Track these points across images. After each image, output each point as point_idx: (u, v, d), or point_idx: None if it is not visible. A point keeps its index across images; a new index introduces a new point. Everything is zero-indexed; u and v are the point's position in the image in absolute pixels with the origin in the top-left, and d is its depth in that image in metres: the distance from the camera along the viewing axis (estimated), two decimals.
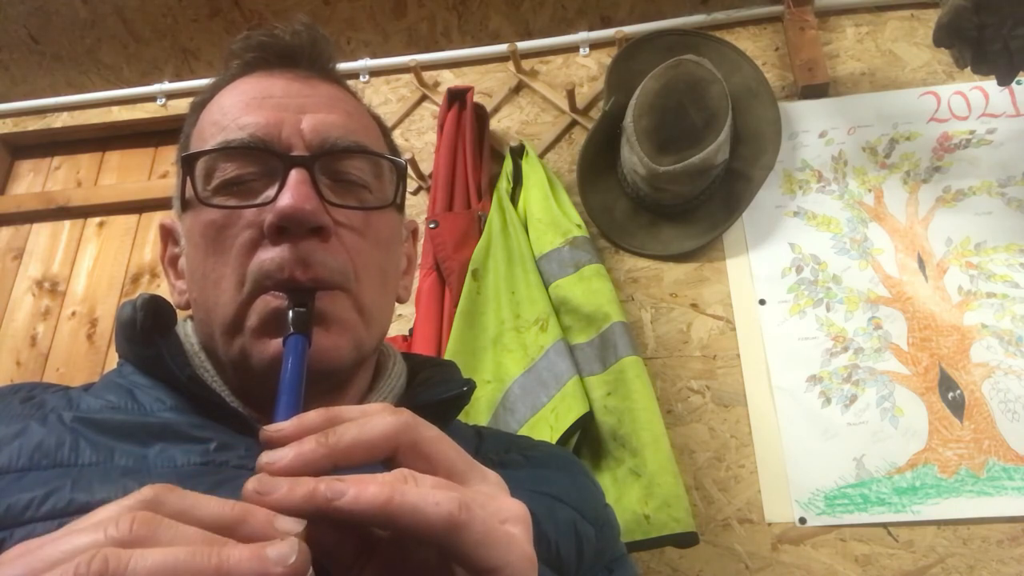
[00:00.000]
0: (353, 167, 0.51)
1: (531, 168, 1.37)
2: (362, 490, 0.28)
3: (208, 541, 0.26)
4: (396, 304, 0.58)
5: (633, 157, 1.30)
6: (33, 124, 1.80)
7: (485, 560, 0.29)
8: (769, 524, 1.12)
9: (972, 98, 1.35)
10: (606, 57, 1.53)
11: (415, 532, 0.28)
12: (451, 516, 0.28)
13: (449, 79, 1.62)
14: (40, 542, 0.25)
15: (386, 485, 0.28)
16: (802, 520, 1.11)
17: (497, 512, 0.31)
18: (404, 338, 1.30)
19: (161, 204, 1.63)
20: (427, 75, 1.61)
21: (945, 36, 1.03)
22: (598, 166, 1.41)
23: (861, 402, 1.17)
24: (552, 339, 1.14)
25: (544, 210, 1.30)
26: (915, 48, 1.42)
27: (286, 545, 0.25)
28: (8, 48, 1.68)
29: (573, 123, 1.50)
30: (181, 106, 1.72)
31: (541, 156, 1.45)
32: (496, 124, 1.54)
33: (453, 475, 0.32)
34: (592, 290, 1.19)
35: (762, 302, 1.28)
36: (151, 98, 1.75)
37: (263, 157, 0.48)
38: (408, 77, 1.63)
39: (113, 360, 0.83)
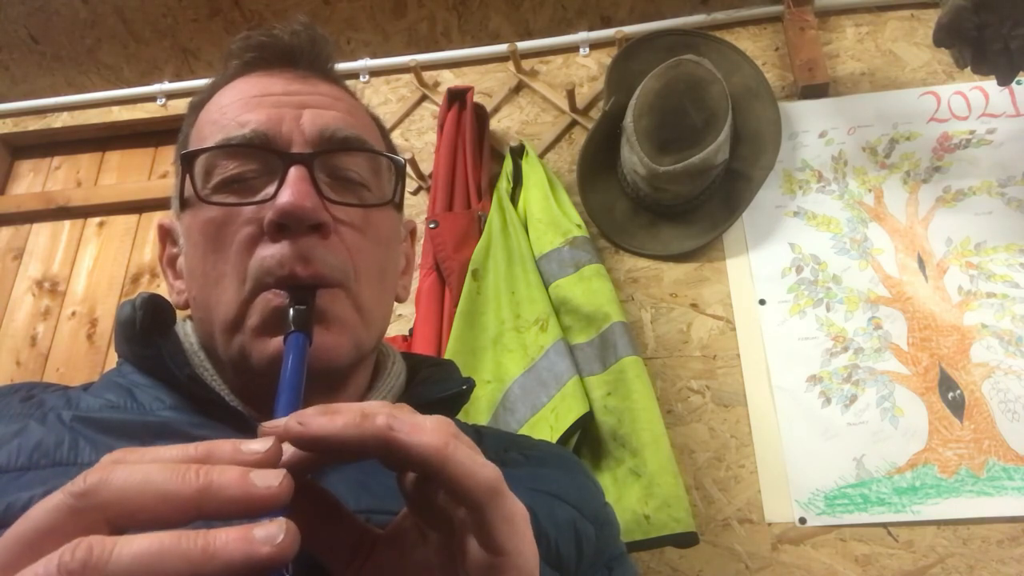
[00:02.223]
0: (352, 165, 0.51)
1: (531, 168, 1.37)
2: (418, 429, 0.29)
3: (168, 470, 0.25)
4: (396, 304, 0.58)
5: (633, 157, 1.30)
6: (33, 124, 1.80)
7: (506, 539, 0.29)
8: (769, 524, 1.12)
9: (972, 98, 1.35)
10: (606, 57, 1.53)
11: (460, 484, 0.29)
12: (492, 482, 0.29)
13: (449, 79, 1.62)
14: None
15: (440, 433, 0.29)
16: (802, 520, 1.11)
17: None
18: (404, 338, 1.30)
19: (161, 204, 1.63)
20: (427, 75, 1.61)
21: (945, 36, 1.03)
22: (598, 166, 1.41)
23: (861, 402, 1.17)
24: (552, 339, 1.14)
25: (544, 210, 1.30)
26: (915, 48, 1.42)
27: (274, 525, 0.25)
28: (8, 48, 1.68)
29: (573, 123, 1.50)
30: (181, 106, 1.72)
31: (541, 156, 1.45)
32: (496, 124, 1.54)
33: None
34: (592, 290, 1.19)
35: (762, 302, 1.28)
36: (151, 98, 1.75)
37: (263, 154, 0.48)
38: (408, 77, 1.63)
39: (113, 360, 0.83)
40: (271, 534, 0.25)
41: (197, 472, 0.26)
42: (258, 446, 0.28)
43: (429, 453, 0.28)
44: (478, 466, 0.29)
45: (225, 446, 0.28)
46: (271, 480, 0.26)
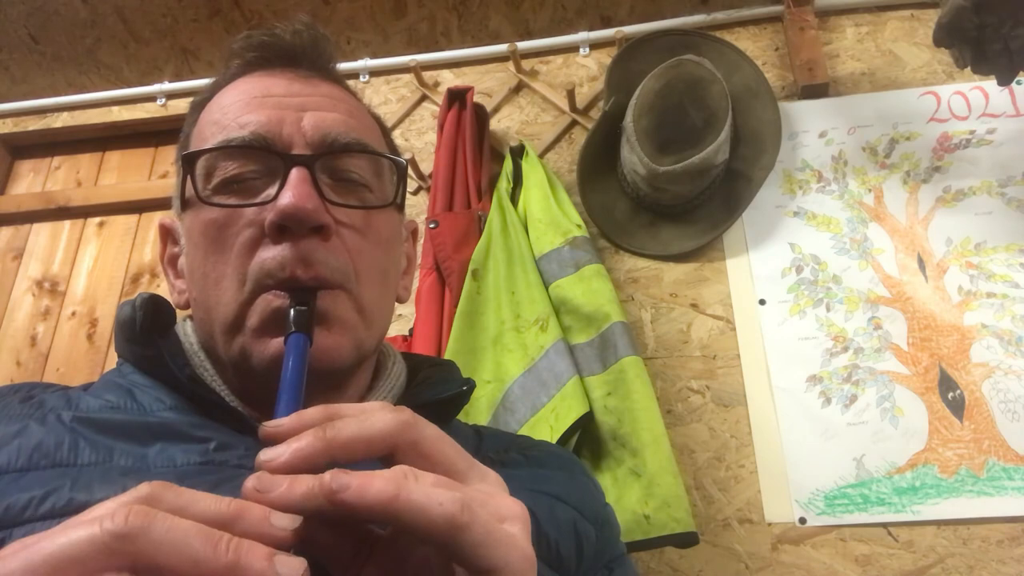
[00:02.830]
0: (354, 166, 0.51)
1: (531, 168, 1.37)
2: (367, 484, 0.28)
3: (204, 535, 0.26)
4: (396, 304, 0.58)
5: (633, 157, 1.30)
6: (33, 124, 1.80)
7: (485, 560, 0.29)
8: (769, 524, 1.12)
9: (972, 98, 1.35)
10: (606, 57, 1.53)
11: (417, 530, 0.28)
12: (454, 516, 0.28)
13: (449, 79, 1.62)
14: (37, 538, 0.25)
15: (391, 481, 0.28)
16: (802, 520, 1.11)
17: (497, 511, 0.31)
18: (404, 338, 1.30)
19: (161, 204, 1.62)
20: (427, 75, 1.61)
21: (945, 36, 1.03)
22: (598, 166, 1.41)
23: (861, 402, 1.17)
24: (552, 339, 1.14)
25: (544, 210, 1.30)
26: (915, 48, 1.42)
27: (295, 560, 0.26)
28: (8, 48, 1.68)
29: (573, 123, 1.50)
30: (181, 106, 1.72)
31: (541, 156, 1.45)
32: (496, 124, 1.54)
33: (453, 474, 0.32)
34: (592, 290, 1.19)
35: (762, 302, 1.28)
36: (151, 98, 1.75)
37: (264, 156, 0.48)
38: (408, 77, 1.63)
39: (113, 360, 0.83)
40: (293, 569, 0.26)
41: (228, 546, 0.26)
42: (287, 523, 0.28)
43: (379, 508, 0.28)
44: (432, 507, 0.28)
45: (256, 512, 0.28)
46: (295, 570, 0.27)
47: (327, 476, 0.28)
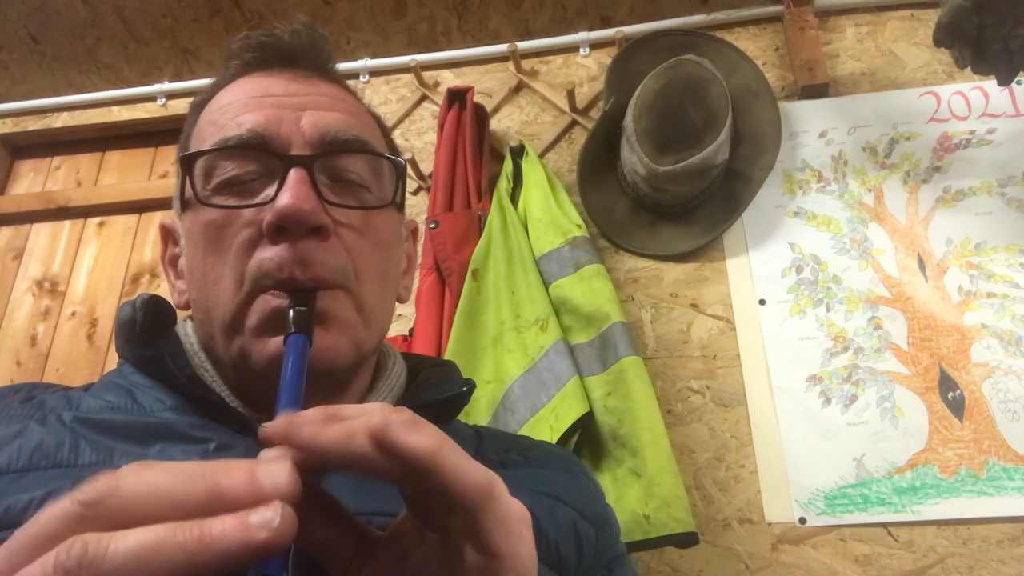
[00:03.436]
0: (352, 166, 0.51)
1: (531, 168, 1.37)
2: (414, 432, 0.28)
3: (177, 475, 0.25)
4: (396, 304, 0.58)
5: (633, 157, 1.30)
6: (33, 124, 1.80)
7: (502, 542, 0.29)
8: (769, 524, 1.12)
9: (972, 98, 1.35)
10: (606, 57, 1.53)
11: (451, 490, 0.28)
12: (488, 485, 0.29)
13: (449, 79, 1.62)
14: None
15: (434, 437, 0.29)
16: (802, 520, 1.11)
17: None
18: (404, 338, 1.30)
19: (161, 204, 1.63)
20: (427, 75, 1.61)
21: (945, 36, 1.03)
22: (598, 166, 1.41)
23: (861, 402, 1.17)
24: (552, 339, 1.14)
25: (544, 210, 1.30)
26: (915, 48, 1.42)
27: (269, 509, 0.25)
28: (8, 48, 1.68)
29: (573, 123, 1.50)
30: (181, 106, 1.72)
31: (541, 156, 1.45)
32: (496, 124, 1.54)
33: None
34: (592, 290, 1.19)
35: (762, 302, 1.28)
36: (151, 98, 1.75)
37: (262, 156, 0.48)
38: (408, 77, 1.63)
39: (113, 360, 0.83)
40: (267, 519, 0.25)
41: (204, 474, 0.26)
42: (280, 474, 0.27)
43: (422, 454, 0.28)
44: (469, 470, 0.29)
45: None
46: (279, 473, 0.26)
47: (376, 415, 0.28)
